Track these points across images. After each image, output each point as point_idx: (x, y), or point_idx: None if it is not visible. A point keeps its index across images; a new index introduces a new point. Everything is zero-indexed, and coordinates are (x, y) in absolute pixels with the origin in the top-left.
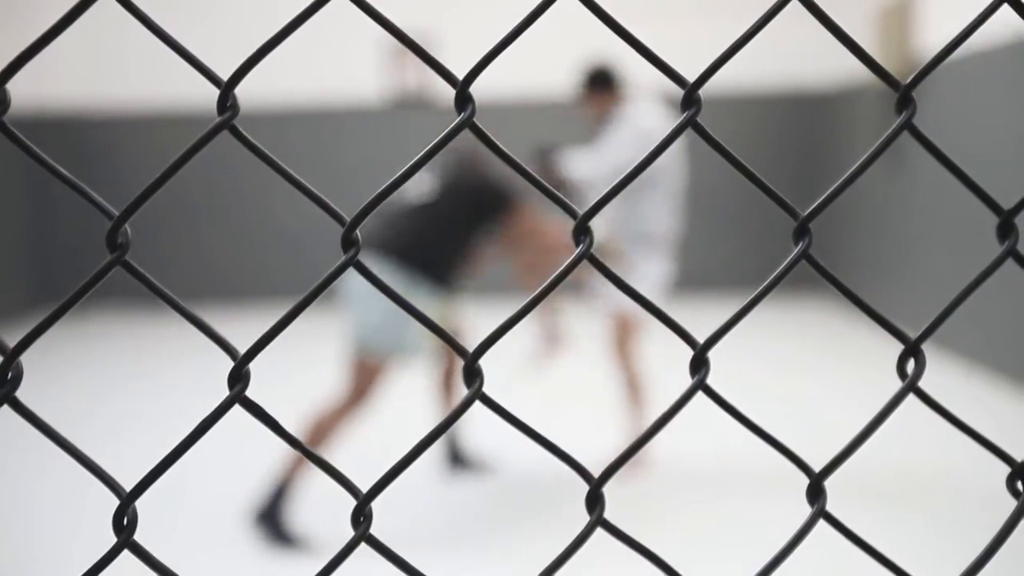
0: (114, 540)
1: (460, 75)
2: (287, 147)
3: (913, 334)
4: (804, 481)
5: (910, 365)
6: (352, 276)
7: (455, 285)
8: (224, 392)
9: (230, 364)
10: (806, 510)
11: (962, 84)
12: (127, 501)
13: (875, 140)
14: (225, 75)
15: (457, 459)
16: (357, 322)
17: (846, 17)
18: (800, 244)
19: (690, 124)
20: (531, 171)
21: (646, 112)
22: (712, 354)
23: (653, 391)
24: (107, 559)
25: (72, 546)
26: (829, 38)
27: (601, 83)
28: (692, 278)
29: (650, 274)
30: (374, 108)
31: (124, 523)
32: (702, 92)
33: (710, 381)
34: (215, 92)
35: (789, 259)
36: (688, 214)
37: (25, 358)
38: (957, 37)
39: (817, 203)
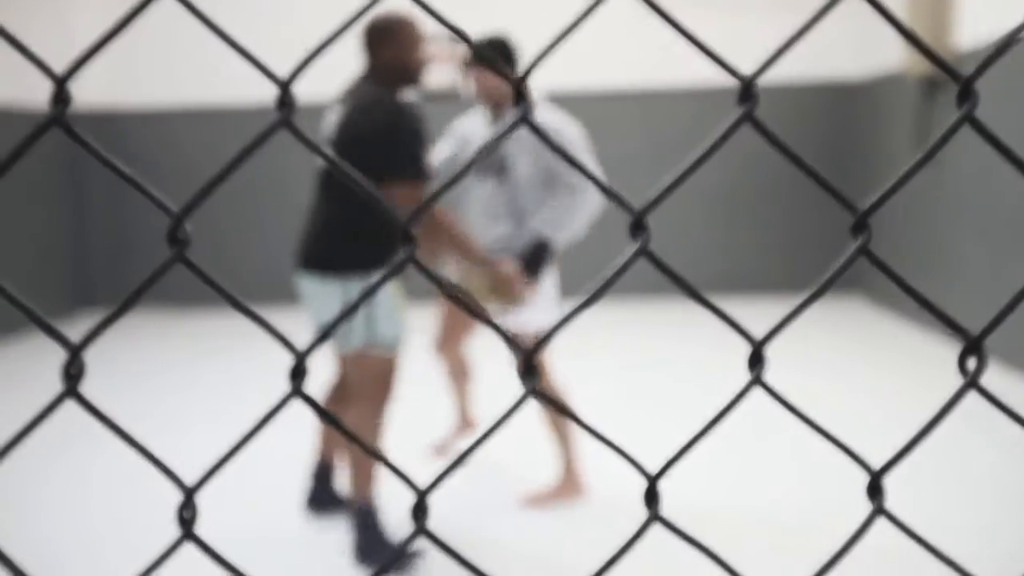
0: (170, 531)
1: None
2: (316, 140)
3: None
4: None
5: (971, 362)
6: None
7: (384, 263)
8: (266, 389)
9: (266, 361)
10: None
11: (1003, 72)
12: (190, 494)
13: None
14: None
15: (323, 499)
16: (368, 318)
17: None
18: (859, 239)
19: (748, 118)
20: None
21: (545, 109)
22: (739, 354)
23: (573, 402)
24: (170, 551)
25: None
26: (856, 27)
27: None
28: (723, 279)
29: (548, 285)
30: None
31: (186, 516)
32: (713, 85)
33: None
34: (237, 88)
35: (849, 254)
36: (720, 214)
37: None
38: (1020, 27)
39: (877, 198)
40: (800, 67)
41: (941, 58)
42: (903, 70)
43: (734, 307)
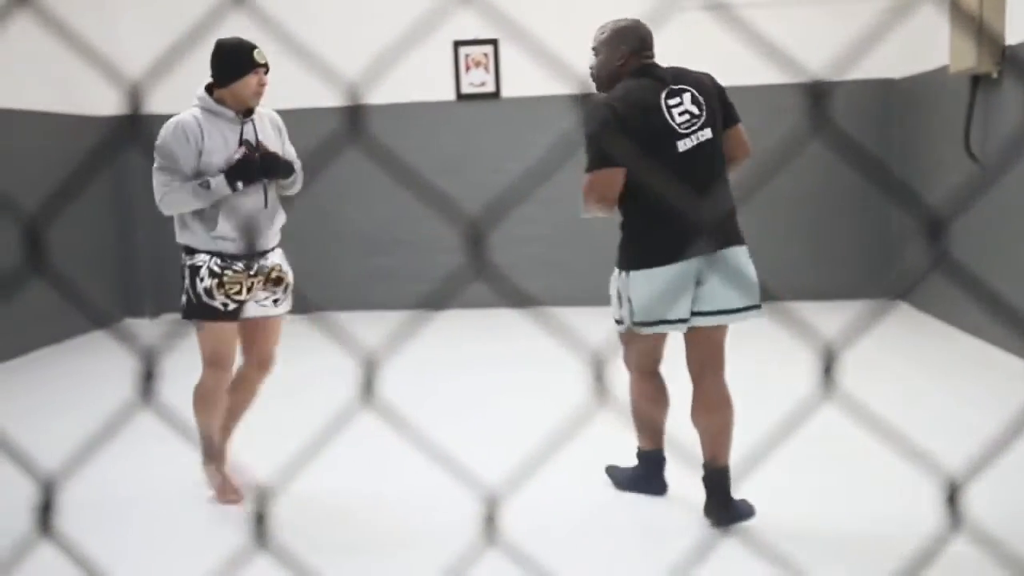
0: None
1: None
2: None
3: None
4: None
5: None
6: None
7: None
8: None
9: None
10: None
11: None
12: (262, 499)
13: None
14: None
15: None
16: (638, 299)
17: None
18: (936, 243)
19: (825, 123)
20: None
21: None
22: (785, 359)
23: None
24: (244, 555)
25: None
26: (899, 24)
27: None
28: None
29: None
30: (442, 100)
31: (261, 519)
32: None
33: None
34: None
35: (932, 258)
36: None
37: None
38: None
39: (956, 202)
40: (841, 64)
41: None
42: (947, 66)
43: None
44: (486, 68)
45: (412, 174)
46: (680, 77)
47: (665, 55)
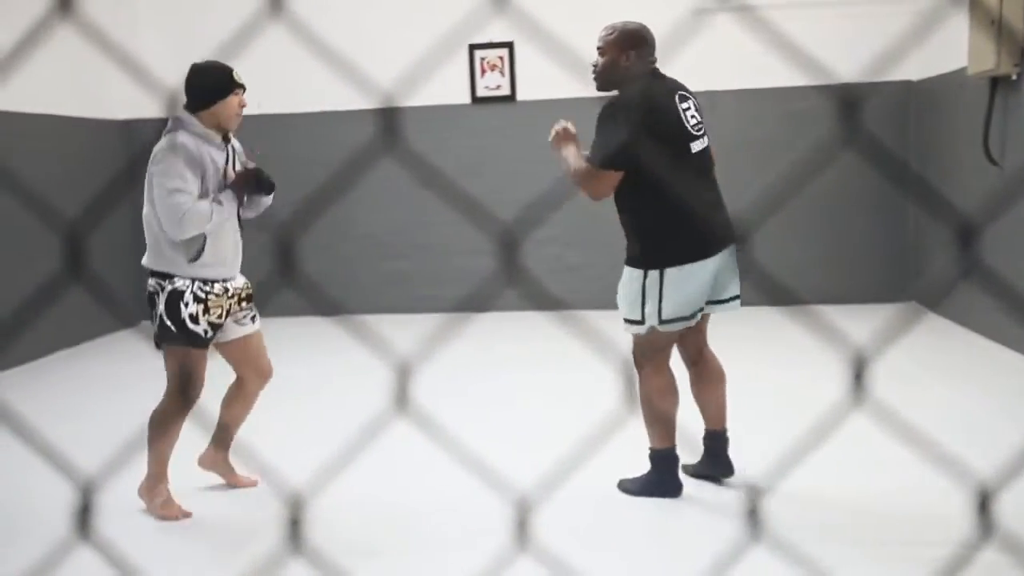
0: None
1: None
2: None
3: None
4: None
5: None
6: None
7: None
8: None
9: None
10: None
11: None
12: (300, 504)
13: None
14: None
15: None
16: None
17: None
18: (969, 247)
19: (858, 130)
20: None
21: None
22: (814, 363)
23: None
24: (282, 557)
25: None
26: (918, 25)
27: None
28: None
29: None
30: (457, 104)
31: (297, 522)
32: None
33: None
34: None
35: (965, 262)
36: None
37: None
38: None
39: (991, 207)
40: (860, 66)
41: None
42: (966, 68)
43: (775, 316)
44: (501, 71)
45: (445, 179)
46: (680, 85)
47: (683, 58)
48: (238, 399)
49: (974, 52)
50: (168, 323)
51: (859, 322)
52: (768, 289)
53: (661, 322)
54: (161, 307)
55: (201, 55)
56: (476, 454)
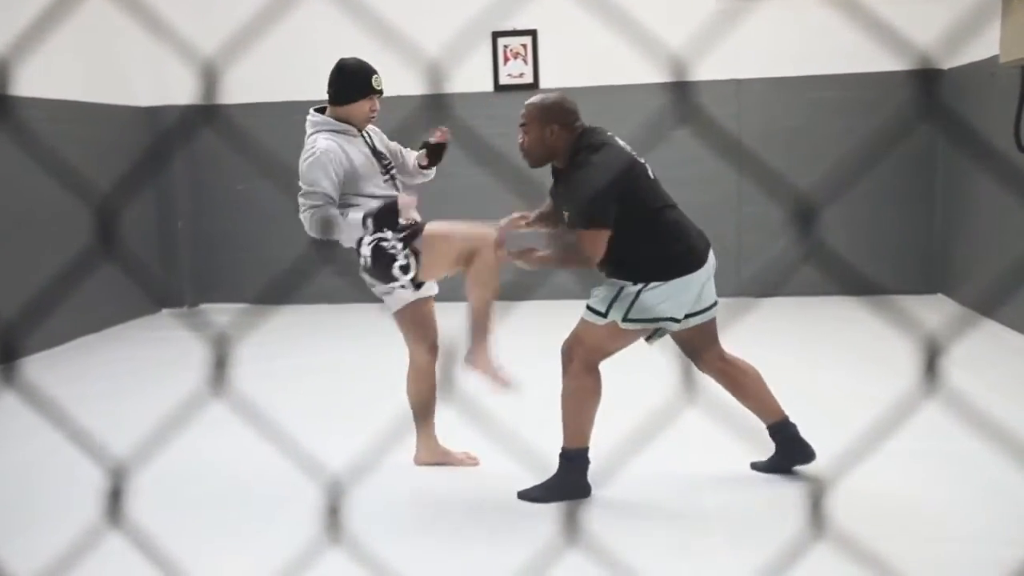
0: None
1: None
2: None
3: None
4: None
5: None
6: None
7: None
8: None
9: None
10: None
11: None
12: (337, 491)
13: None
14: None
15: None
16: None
17: None
18: None
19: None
20: None
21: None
22: (834, 356)
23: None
24: (313, 550)
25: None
26: (948, 14)
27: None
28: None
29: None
30: (480, 91)
31: (334, 509)
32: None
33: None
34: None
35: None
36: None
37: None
38: None
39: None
40: (888, 54)
41: None
42: (997, 56)
43: (787, 307)
44: (524, 59)
45: (499, 156)
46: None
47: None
48: (424, 377)
49: (1006, 40)
50: (399, 267)
51: (917, 312)
52: (839, 278)
53: (624, 319)
54: (392, 256)
55: (226, 38)
56: (528, 443)
